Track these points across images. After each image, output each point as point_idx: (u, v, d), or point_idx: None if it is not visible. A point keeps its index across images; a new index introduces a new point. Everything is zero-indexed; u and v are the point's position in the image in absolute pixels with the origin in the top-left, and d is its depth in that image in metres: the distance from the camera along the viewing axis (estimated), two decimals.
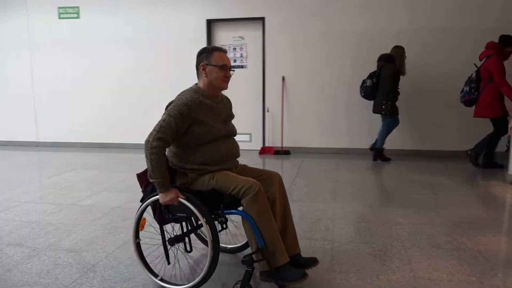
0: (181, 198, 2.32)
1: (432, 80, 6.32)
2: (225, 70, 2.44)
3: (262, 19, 6.78)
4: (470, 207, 3.91)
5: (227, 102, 2.64)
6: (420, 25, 6.25)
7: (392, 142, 6.40)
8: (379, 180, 5.07)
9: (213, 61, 2.42)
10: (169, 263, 2.63)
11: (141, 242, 2.55)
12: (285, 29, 6.70)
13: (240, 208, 2.32)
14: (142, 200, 2.50)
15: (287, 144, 6.94)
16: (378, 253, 2.91)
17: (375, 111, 6.05)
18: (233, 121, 2.63)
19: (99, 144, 7.62)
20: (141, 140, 2.66)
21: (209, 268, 2.30)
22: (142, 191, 2.55)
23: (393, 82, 5.77)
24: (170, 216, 2.42)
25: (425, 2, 6.22)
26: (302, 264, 2.44)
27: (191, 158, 2.40)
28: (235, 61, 7.03)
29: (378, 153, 6.14)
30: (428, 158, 6.27)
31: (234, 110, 2.70)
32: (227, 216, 2.40)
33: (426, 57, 6.28)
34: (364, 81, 6.05)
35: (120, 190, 4.63)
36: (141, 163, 6.24)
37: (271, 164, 6.01)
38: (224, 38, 7.05)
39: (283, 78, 6.81)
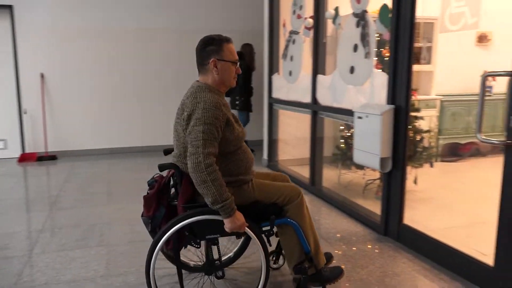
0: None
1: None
2: (236, 65, 2.11)
3: (9, 8, 5.90)
4: None
5: None
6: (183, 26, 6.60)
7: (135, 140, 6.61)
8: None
9: (225, 56, 2.04)
10: None
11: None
12: (42, 20, 6.01)
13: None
14: (154, 231, 2.06)
15: (52, 148, 6.28)
16: None
17: (231, 107, 6.18)
18: None
19: None
20: None
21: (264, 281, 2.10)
22: (150, 217, 2.07)
23: (245, 78, 5.97)
24: (197, 240, 2.02)
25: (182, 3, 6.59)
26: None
27: (225, 169, 2.02)
28: None
29: None
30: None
31: None
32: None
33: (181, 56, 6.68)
34: None
35: None
36: None
37: (35, 172, 5.35)
38: None
39: (42, 76, 6.11)
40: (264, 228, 2.14)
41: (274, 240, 2.39)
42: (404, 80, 2.87)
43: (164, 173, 2.18)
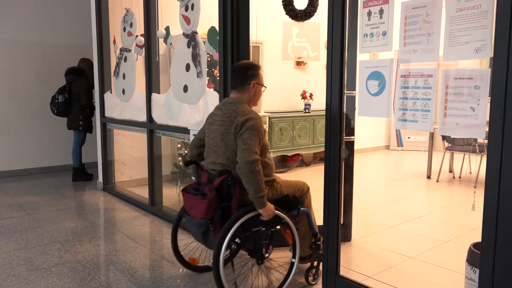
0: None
1: (17, 93, 6.00)
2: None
3: None
4: (67, 220, 3.98)
5: None
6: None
7: None
8: None
9: (260, 81, 2.52)
10: None
11: None
12: None
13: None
14: (214, 225, 2.31)
15: None
16: None
17: (71, 127, 5.63)
18: None
19: None
20: None
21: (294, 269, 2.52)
22: (209, 218, 2.30)
23: (88, 96, 5.54)
24: (246, 234, 2.37)
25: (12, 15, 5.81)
26: None
27: (265, 172, 2.37)
28: None
29: (76, 173, 5.72)
30: (15, 178, 5.91)
31: None
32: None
33: (15, 70, 5.90)
34: (54, 97, 5.51)
35: None
36: None
37: None
38: None
39: None
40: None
41: None
42: None
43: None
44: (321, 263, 2.64)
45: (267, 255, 2.88)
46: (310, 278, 2.66)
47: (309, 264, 2.70)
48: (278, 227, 2.55)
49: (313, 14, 6.06)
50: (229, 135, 2.35)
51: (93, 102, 5.66)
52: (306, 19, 6.09)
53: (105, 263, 2.99)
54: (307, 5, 6.09)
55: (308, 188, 2.71)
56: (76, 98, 5.58)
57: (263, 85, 2.56)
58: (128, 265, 2.95)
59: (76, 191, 5.21)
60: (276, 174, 2.65)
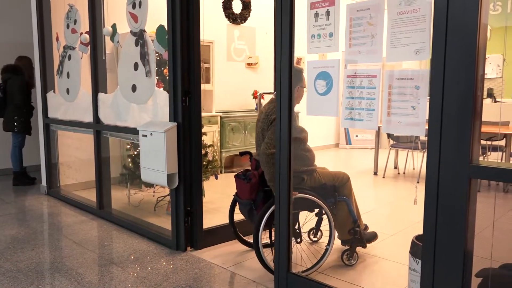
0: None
1: None
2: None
3: None
4: (7, 227, 3.76)
5: None
6: None
7: None
8: None
9: (304, 83, 2.67)
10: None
11: None
12: None
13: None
14: (256, 205, 2.74)
15: None
16: None
17: (6, 128, 5.29)
18: None
19: None
20: None
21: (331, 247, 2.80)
22: (252, 199, 2.75)
23: (24, 96, 5.26)
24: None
25: None
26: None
27: (305, 162, 2.74)
28: None
29: (17, 177, 5.41)
30: None
31: None
32: None
33: None
34: None
35: None
36: None
37: None
38: None
39: None
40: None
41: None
42: (192, 98, 3.01)
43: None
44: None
45: (314, 238, 3.29)
46: (345, 259, 2.89)
47: (348, 246, 2.92)
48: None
49: (248, 17, 6.38)
50: (265, 131, 2.69)
51: (31, 102, 5.43)
52: (242, 23, 6.35)
53: (50, 271, 2.86)
54: (242, 9, 6.36)
55: (348, 178, 2.94)
56: (11, 98, 5.29)
57: (305, 87, 2.81)
58: (74, 272, 2.83)
59: (17, 196, 4.93)
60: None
